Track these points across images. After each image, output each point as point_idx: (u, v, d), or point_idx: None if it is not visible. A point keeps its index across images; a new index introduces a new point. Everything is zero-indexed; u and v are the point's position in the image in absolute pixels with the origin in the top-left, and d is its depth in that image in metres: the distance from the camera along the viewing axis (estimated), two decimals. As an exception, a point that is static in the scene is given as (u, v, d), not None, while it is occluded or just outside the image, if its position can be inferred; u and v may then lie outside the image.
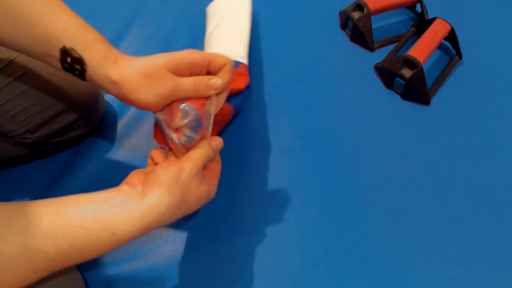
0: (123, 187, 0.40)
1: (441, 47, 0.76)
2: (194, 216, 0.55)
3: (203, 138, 0.45)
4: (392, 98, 0.69)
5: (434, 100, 0.68)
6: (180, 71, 0.42)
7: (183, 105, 0.43)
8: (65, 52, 0.41)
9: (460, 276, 0.52)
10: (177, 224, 0.55)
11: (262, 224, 0.55)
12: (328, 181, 0.59)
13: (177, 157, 0.45)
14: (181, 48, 0.71)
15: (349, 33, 0.76)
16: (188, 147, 0.44)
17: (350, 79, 0.71)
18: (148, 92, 0.41)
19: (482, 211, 0.57)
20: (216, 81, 0.43)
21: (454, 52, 0.74)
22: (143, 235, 0.38)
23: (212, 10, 0.72)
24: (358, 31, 0.73)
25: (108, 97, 0.67)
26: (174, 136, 0.44)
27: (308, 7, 0.81)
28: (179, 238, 0.54)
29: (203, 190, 0.42)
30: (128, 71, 0.41)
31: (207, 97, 0.44)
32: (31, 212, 0.36)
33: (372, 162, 0.61)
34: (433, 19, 0.72)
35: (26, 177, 0.59)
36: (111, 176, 0.58)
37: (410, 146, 0.63)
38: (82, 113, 0.57)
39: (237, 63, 0.62)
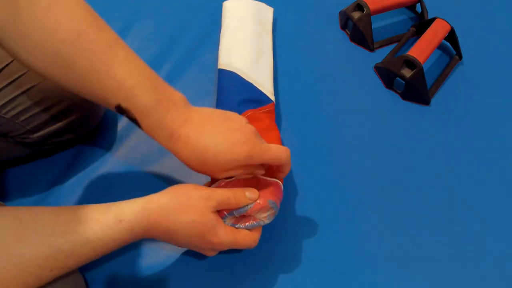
0: None
1: (441, 47, 0.76)
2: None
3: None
4: (392, 98, 0.69)
5: (434, 100, 0.68)
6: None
7: (271, 202, 0.45)
8: (120, 109, 0.41)
9: (460, 276, 0.52)
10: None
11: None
12: (327, 180, 0.59)
13: None
14: (182, 49, 0.72)
15: (349, 33, 0.76)
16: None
17: (350, 79, 0.71)
18: (203, 170, 0.44)
19: (483, 211, 0.57)
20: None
21: (454, 52, 0.74)
22: (146, 228, 0.40)
23: (232, 10, 0.71)
24: (358, 31, 0.73)
25: (108, 97, 0.67)
26: (232, 223, 0.45)
27: (308, 7, 0.81)
28: (179, 238, 0.54)
29: (209, 216, 0.41)
30: (183, 154, 0.43)
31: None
32: (47, 213, 0.37)
33: (372, 162, 0.61)
34: (433, 19, 0.72)
35: (26, 177, 0.59)
36: (111, 176, 0.59)
37: (410, 146, 0.63)
38: (82, 113, 0.57)
39: (267, 100, 0.62)
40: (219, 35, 0.71)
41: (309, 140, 0.63)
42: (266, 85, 0.63)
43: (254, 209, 0.44)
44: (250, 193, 0.44)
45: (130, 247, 0.53)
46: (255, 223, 0.46)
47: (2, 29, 0.36)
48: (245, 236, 0.44)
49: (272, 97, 0.62)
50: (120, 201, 0.40)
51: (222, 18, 0.73)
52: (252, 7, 0.72)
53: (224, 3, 0.74)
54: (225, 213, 0.43)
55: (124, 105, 0.40)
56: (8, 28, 0.36)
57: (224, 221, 0.44)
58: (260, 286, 0.51)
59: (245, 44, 0.67)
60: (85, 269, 0.50)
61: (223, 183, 0.46)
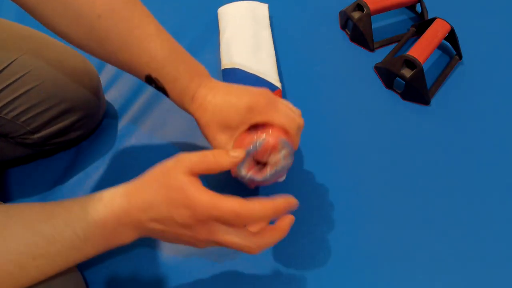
0: None
1: (441, 47, 0.76)
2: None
3: (270, 183, 0.46)
4: (392, 98, 0.69)
5: (434, 100, 0.68)
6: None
7: (282, 140, 0.44)
8: (150, 79, 0.44)
9: (460, 276, 0.52)
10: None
11: (262, 224, 0.55)
12: (327, 180, 0.59)
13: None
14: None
15: (349, 33, 0.76)
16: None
17: (350, 79, 0.71)
18: (218, 127, 0.45)
19: (483, 210, 0.57)
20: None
21: (454, 52, 0.74)
22: (125, 208, 0.37)
23: (228, 13, 0.73)
24: (358, 31, 0.73)
25: (108, 97, 0.67)
26: (247, 173, 0.44)
27: (308, 7, 0.81)
28: (179, 238, 0.54)
29: (175, 180, 0.36)
30: (199, 113, 0.45)
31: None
32: (36, 205, 0.37)
33: (372, 162, 0.61)
34: (433, 19, 0.72)
35: (27, 177, 0.59)
36: (111, 176, 0.59)
37: (410, 146, 0.63)
38: (82, 114, 0.57)
39: (272, 87, 0.62)
40: (218, 38, 0.72)
41: (309, 140, 0.62)
42: (270, 74, 0.64)
43: (265, 147, 0.43)
44: (234, 152, 0.39)
45: (130, 247, 0.53)
46: (273, 170, 0.44)
47: (41, 3, 0.39)
48: (229, 201, 0.35)
49: (278, 84, 0.63)
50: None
51: (219, 24, 0.74)
52: (246, 7, 0.73)
53: (219, 10, 0.75)
54: None
55: (154, 75, 0.43)
56: (46, 2, 0.39)
57: (241, 173, 0.44)
58: (260, 286, 0.51)
59: (243, 40, 0.68)
60: (85, 269, 0.50)
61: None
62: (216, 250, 0.52)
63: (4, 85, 0.50)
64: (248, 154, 0.43)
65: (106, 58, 0.44)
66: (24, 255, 0.34)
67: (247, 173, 0.44)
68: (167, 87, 0.45)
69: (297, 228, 0.55)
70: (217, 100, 0.44)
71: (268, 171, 0.45)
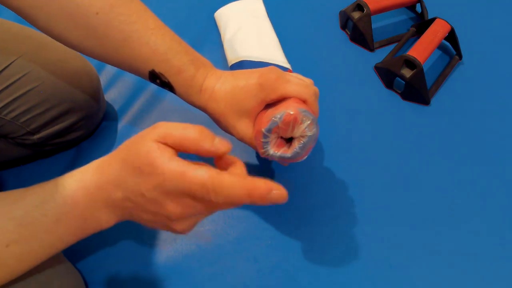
0: None
1: (441, 47, 0.75)
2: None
3: (303, 158, 0.45)
4: (392, 98, 0.69)
5: (434, 100, 0.68)
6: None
7: (302, 110, 0.42)
8: (154, 75, 0.43)
9: (460, 276, 0.52)
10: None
11: (262, 223, 0.55)
12: (327, 180, 0.59)
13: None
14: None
15: (349, 33, 0.76)
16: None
17: (350, 79, 0.71)
18: (234, 115, 0.43)
19: (483, 210, 0.57)
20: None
21: (454, 52, 0.74)
22: (98, 181, 0.33)
23: (226, 15, 0.73)
24: (358, 31, 0.73)
25: (108, 98, 0.67)
26: (276, 152, 0.43)
27: (308, 7, 0.81)
28: (179, 238, 0.54)
29: (143, 145, 0.32)
30: (210, 104, 0.43)
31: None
32: (14, 191, 0.35)
33: (372, 161, 0.61)
34: (433, 19, 0.72)
35: (27, 178, 0.59)
36: (111, 177, 0.59)
37: (410, 146, 0.63)
38: (82, 114, 0.57)
39: (282, 69, 0.62)
40: (216, 41, 0.72)
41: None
42: (277, 57, 0.65)
43: (286, 121, 0.41)
44: (220, 142, 0.33)
45: (130, 247, 0.53)
46: (301, 143, 0.43)
47: (35, 8, 0.39)
48: (199, 170, 0.31)
49: (287, 65, 0.64)
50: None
51: (218, 26, 0.75)
52: (242, 5, 0.74)
53: (215, 14, 0.75)
54: (261, 140, 0.42)
55: (157, 69, 0.42)
56: (41, 6, 0.38)
57: (269, 152, 0.43)
58: (260, 286, 0.51)
59: (245, 34, 0.68)
60: (85, 269, 0.50)
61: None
62: (216, 250, 0.53)
63: (4, 86, 0.50)
64: (269, 130, 0.42)
65: (106, 57, 0.43)
66: None
67: (276, 151, 0.43)
68: (173, 80, 0.43)
69: (297, 227, 0.55)
70: (226, 87, 0.43)
71: (296, 145, 0.43)
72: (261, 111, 0.44)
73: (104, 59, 0.44)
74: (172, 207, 0.32)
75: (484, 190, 0.59)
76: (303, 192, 0.58)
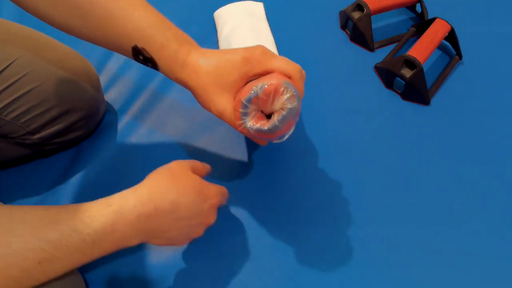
0: None
1: (441, 47, 0.75)
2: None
3: (281, 134, 0.43)
4: (392, 98, 0.69)
5: (434, 100, 0.68)
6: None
7: (285, 82, 0.41)
8: (137, 51, 0.42)
9: (460, 276, 0.52)
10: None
11: (262, 223, 0.55)
12: (326, 180, 0.59)
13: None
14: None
15: (349, 33, 0.76)
16: (269, 136, 0.43)
17: (350, 79, 0.71)
18: (216, 89, 0.43)
19: (483, 210, 0.57)
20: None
21: (454, 52, 0.74)
22: (141, 213, 0.38)
23: (224, 15, 0.73)
24: (358, 31, 0.73)
25: (108, 98, 0.67)
26: (254, 124, 0.42)
27: (308, 7, 0.81)
28: (179, 238, 0.54)
29: (193, 178, 0.42)
30: (193, 79, 0.43)
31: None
32: (39, 208, 0.37)
33: (372, 161, 0.61)
34: (433, 19, 0.72)
35: (27, 177, 0.59)
36: (111, 176, 0.59)
37: (410, 146, 0.63)
38: (82, 114, 0.57)
39: None
40: (215, 40, 0.72)
41: (309, 140, 0.63)
42: None
43: (267, 91, 0.40)
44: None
45: (130, 247, 0.53)
46: (280, 115, 0.41)
47: None
48: (216, 186, 0.46)
49: None
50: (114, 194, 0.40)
51: (216, 26, 0.74)
52: (242, 6, 0.74)
53: (215, 13, 0.75)
54: (240, 110, 0.41)
55: (140, 45, 0.42)
56: None
57: (246, 125, 0.42)
58: (260, 286, 0.51)
59: (242, 34, 0.68)
60: (85, 269, 0.50)
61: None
62: (215, 250, 0.53)
63: (4, 86, 0.50)
64: (249, 99, 0.41)
65: (89, 35, 0.42)
66: (29, 260, 0.34)
67: (254, 124, 0.42)
68: (155, 56, 0.42)
69: (297, 227, 0.55)
70: (211, 61, 0.42)
71: (275, 118, 0.41)
72: (243, 85, 0.43)
73: (88, 38, 0.43)
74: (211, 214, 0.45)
75: (484, 190, 0.59)
76: (303, 192, 0.58)
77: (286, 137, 0.45)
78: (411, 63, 0.65)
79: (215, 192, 0.44)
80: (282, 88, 0.40)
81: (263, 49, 0.43)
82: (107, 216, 0.36)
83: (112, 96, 0.67)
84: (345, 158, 0.61)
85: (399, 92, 0.69)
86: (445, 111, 0.67)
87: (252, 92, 0.40)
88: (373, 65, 0.72)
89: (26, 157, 0.59)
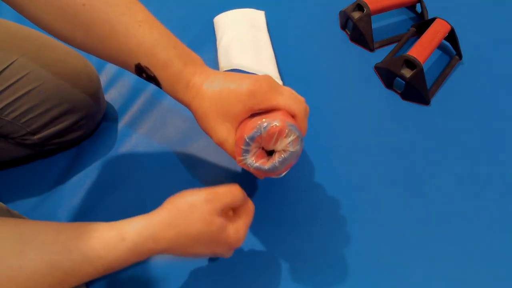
0: None
1: (441, 47, 0.76)
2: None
3: (280, 173, 0.44)
4: (392, 98, 0.69)
5: (434, 100, 0.68)
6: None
7: (290, 124, 0.41)
8: (140, 68, 0.41)
9: (460, 276, 0.52)
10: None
11: (262, 223, 0.55)
12: (327, 180, 0.59)
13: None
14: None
15: (349, 33, 0.76)
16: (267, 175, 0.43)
17: (350, 79, 0.71)
18: (218, 117, 0.42)
19: (483, 210, 0.57)
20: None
21: (454, 52, 0.74)
22: (152, 248, 0.38)
23: (224, 22, 0.73)
24: (358, 31, 0.73)
25: (108, 98, 0.67)
26: (254, 162, 0.42)
27: (308, 7, 0.81)
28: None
29: (218, 221, 0.39)
30: (196, 101, 0.42)
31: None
32: (49, 229, 0.37)
33: (372, 161, 0.61)
34: (433, 19, 0.72)
35: (27, 178, 0.59)
36: (111, 176, 0.59)
37: (410, 146, 0.63)
38: (82, 114, 0.57)
39: None
40: (213, 47, 0.72)
41: (309, 140, 0.63)
42: (270, 71, 0.64)
43: (271, 132, 0.40)
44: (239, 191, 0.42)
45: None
46: (281, 157, 0.41)
47: (27, 1, 0.38)
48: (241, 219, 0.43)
49: (279, 81, 0.63)
50: (122, 220, 0.39)
51: (216, 32, 0.74)
52: (243, 14, 0.73)
53: (215, 19, 0.75)
54: (242, 147, 0.41)
55: (143, 63, 0.41)
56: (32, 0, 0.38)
57: (246, 161, 0.41)
58: (260, 286, 0.51)
59: (241, 43, 0.68)
60: (85, 269, 0.50)
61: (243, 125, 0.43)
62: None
63: (4, 86, 0.50)
64: (252, 138, 0.40)
65: (92, 48, 0.42)
66: (39, 284, 0.34)
67: (254, 162, 0.42)
68: (158, 74, 0.41)
69: (297, 227, 0.55)
70: (215, 86, 0.41)
71: (276, 159, 0.41)
72: (246, 118, 0.43)
73: (91, 51, 0.42)
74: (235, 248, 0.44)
75: (484, 190, 0.59)
76: (303, 192, 0.58)
77: (284, 174, 0.45)
78: (411, 63, 0.65)
79: (241, 238, 0.42)
80: (287, 131, 0.40)
81: (269, 83, 0.42)
82: (121, 250, 0.37)
83: (112, 96, 0.67)
84: (345, 158, 0.61)
85: (399, 92, 0.69)
86: (445, 111, 0.67)
87: (255, 131, 0.40)
88: (373, 65, 0.72)
89: (26, 157, 0.59)
